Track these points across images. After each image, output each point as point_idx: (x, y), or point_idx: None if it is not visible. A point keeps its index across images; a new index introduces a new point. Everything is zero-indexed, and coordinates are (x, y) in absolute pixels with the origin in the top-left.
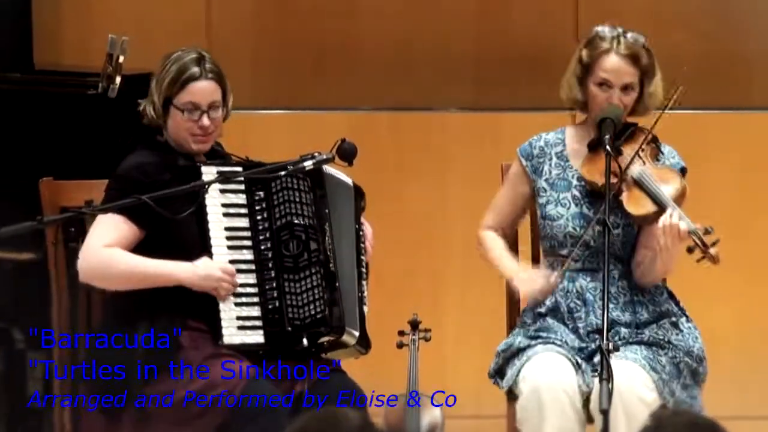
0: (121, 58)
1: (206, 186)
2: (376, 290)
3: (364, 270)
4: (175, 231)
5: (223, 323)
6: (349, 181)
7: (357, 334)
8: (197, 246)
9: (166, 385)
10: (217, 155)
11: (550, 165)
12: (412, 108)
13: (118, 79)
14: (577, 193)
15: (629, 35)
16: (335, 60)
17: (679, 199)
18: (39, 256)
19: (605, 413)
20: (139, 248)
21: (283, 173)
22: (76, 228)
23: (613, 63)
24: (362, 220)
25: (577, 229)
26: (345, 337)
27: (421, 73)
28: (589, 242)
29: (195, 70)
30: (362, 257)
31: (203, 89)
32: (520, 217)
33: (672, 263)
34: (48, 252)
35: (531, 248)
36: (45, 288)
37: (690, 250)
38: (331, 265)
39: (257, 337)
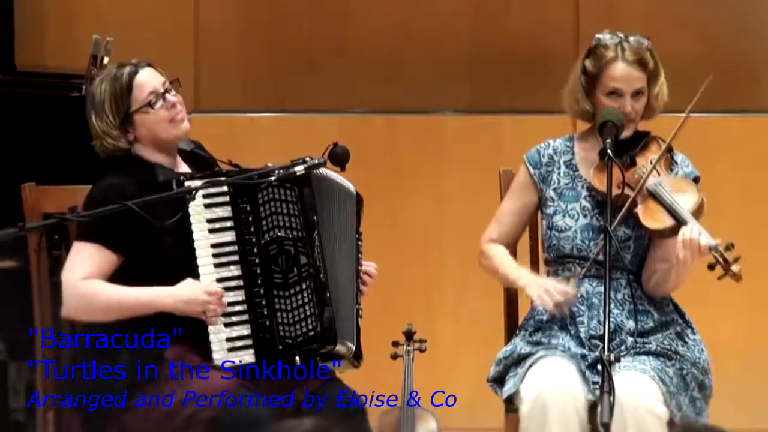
0: (106, 60)
1: (193, 192)
2: (370, 299)
3: (360, 283)
4: (157, 253)
5: (214, 346)
6: (350, 187)
7: (352, 345)
8: (182, 267)
9: (149, 398)
10: (198, 158)
11: (559, 174)
12: (406, 111)
13: None
14: (586, 204)
15: (632, 39)
16: (327, 61)
17: (697, 212)
18: (21, 264)
19: (606, 427)
20: (121, 274)
21: (272, 178)
22: (59, 235)
23: (621, 71)
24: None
25: (586, 241)
26: (339, 348)
27: (416, 74)
28: (596, 256)
29: (128, 69)
30: (360, 268)
31: (149, 76)
32: (524, 230)
33: (685, 277)
34: (30, 259)
35: (529, 258)
36: (27, 296)
37: (711, 267)
38: (321, 275)
39: (248, 357)
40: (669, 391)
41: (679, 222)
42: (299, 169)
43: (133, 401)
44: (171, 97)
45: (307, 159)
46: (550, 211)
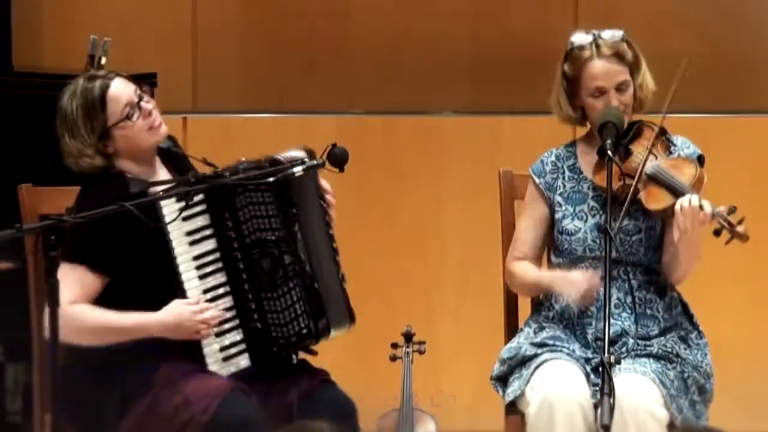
0: (103, 60)
1: (191, 192)
2: (369, 301)
3: (336, 245)
4: (141, 271)
5: (208, 359)
6: (306, 158)
7: (346, 327)
8: (167, 283)
9: (142, 405)
10: (176, 156)
11: (564, 179)
12: (406, 112)
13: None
14: (594, 204)
15: (605, 34)
16: (326, 61)
17: (697, 185)
18: (18, 265)
19: (606, 428)
20: (108, 294)
21: (271, 179)
22: (56, 236)
23: (600, 68)
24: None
25: (597, 241)
26: (333, 334)
27: (415, 75)
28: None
29: (98, 83)
30: (331, 232)
31: (122, 87)
32: (545, 243)
33: (695, 252)
34: (27, 261)
35: None
36: (24, 297)
37: (717, 233)
38: (307, 268)
39: (244, 362)
40: (669, 394)
41: (680, 197)
42: (298, 169)
43: (129, 406)
44: (146, 105)
45: (306, 160)
46: (559, 216)
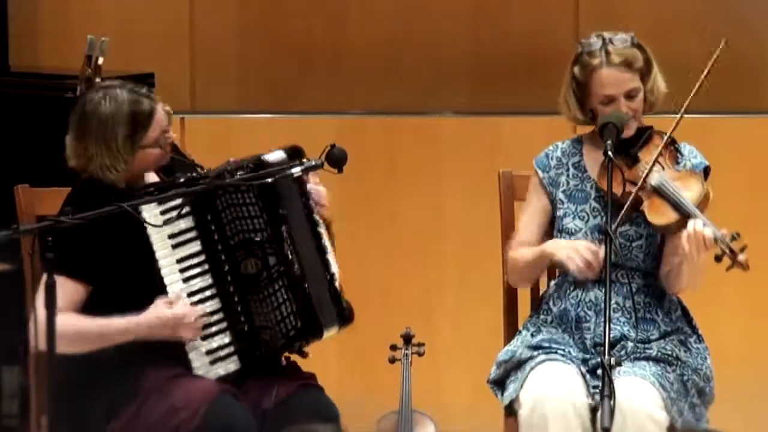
0: (101, 60)
1: (189, 197)
2: (368, 302)
3: (325, 243)
4: (124, 278)
5: (194, 363)
6: (285, 160)
7: (338, 327)
8: (151, 288)
9: (129, 412)
10: (167, 169)
11: (568, 176)
12: (405, 112)
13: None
14: (596, 205)
15: (616, 40)
16: (324, 61)
17: (702, 204)
18: (14, 267)
19: (607, 431)
20: (93, 302)
21: (269, 180)
22: (53, 237)
23: (608, 77)
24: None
25: (596, 242)
26: (326, 335)
27: (414, 75)
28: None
29: (147, 102)
30: (319, 230)
31: (163, 114)
32: (546, 233)
33: (699, 273)
34: (24, 262)
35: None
36: (21, 299)
37: (718, 259)
38: (296, 268)
39: (232, 365)
40: (669, 397)
41: (684, 216)
42: (296, 170)
43: (116, 412)
44: (171, 134)
45: (305, 160)
46: (560, 213)
